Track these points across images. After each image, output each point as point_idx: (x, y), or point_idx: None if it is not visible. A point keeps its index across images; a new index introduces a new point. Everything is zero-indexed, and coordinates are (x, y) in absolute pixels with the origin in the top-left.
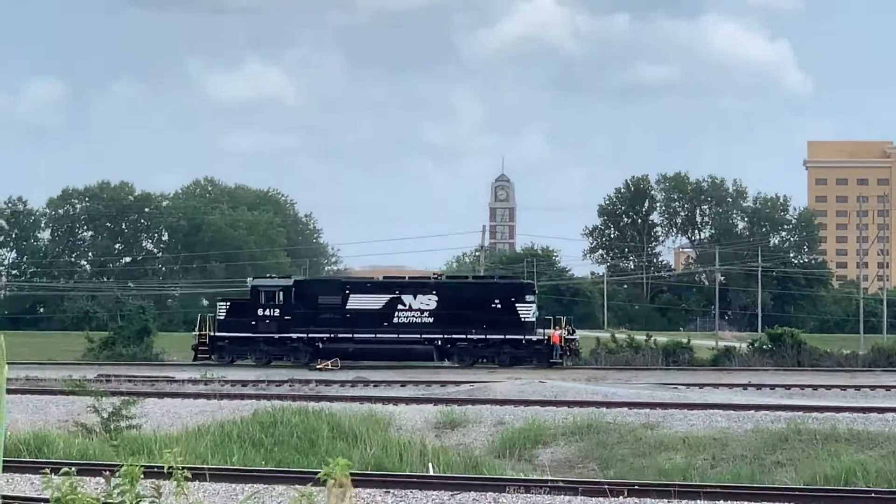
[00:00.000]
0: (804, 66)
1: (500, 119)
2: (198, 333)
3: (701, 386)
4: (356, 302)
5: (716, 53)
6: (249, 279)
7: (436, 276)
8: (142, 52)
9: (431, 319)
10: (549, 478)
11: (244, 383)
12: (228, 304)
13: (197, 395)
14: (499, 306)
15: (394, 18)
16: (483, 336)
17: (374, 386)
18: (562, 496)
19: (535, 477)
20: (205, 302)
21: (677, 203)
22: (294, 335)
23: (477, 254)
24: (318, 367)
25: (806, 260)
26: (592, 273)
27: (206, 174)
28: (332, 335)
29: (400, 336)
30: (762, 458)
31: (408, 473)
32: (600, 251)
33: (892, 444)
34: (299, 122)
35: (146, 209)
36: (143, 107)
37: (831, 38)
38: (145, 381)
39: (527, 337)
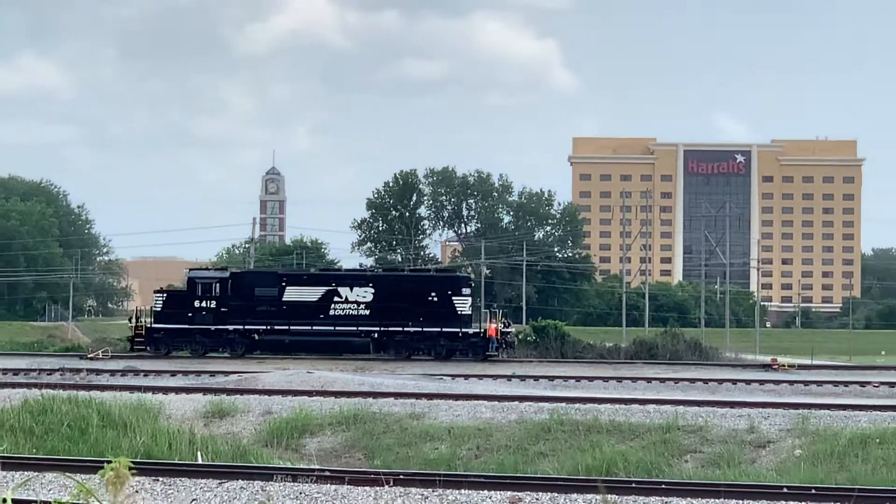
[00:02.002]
0: (570, 65)
1: (270, 113)
2: (133, 325)
3: (466, 377)
4: (292, 294)
5: (484, 51)
6: (186, 270)
7: (372, 268)
8: None
9: (368, 312)
10: (316, 466)
11: (15, 372)
12: (165, 295)
13: None
14: (435, 299)
15: (166, 12)
16: (420, 329)
17: (144, 375)
18: (328, 485)
19: (302, 466)
20: None
21: (444, 197)
22: (230, 327)
23: (247, 245)
24: (89, 356)
25: (570, 254)
26: (360, 265)
27: None
28: (269, 327)
29: (336, 328)
30: (525, 449)
31: (177, 462)
32: (368, 244)
33: (652, 435)
34: (73, 115)
35: None
36: None
37: (597, 37)
38: None
39: (463, 330)
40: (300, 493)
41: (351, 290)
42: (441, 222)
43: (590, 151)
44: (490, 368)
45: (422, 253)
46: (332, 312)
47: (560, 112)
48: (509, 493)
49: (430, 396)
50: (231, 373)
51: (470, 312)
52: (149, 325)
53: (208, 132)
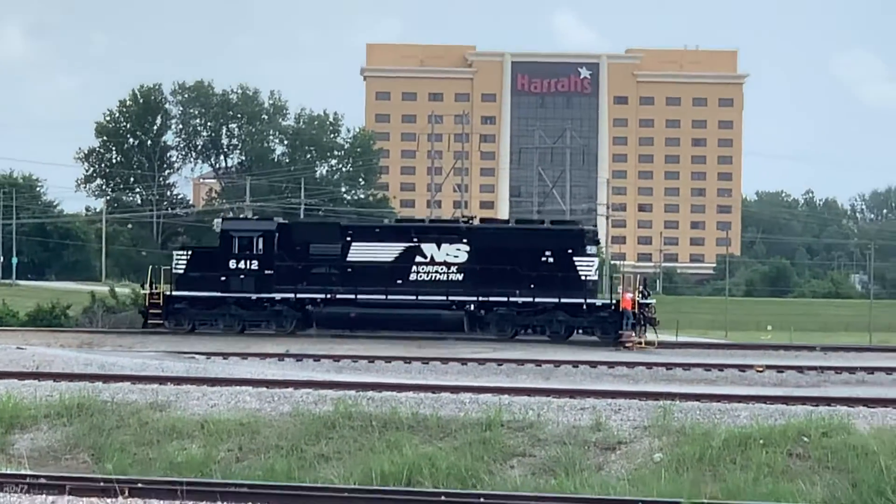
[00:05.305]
0: None
1: None
2: (148, 292)
3: (226, 356)
4: (360, 252)
5: None
6: (217, 220)
7: (466, 219)
8: None
9: (461, 276)
10: (28, 472)
11: None
12: (189, 253)
13: None
14: (551, 260)
15: None
16: (530, 299)
17: None
18: (44, 495)
19: (9, 471)
20: None
21: (198, 121)
22: (277, 295)
23: None
24: None
25: (362, 196)
26: (88, 209)
27: None
28: (328, 296)
29: (419, 298)
30: (303, 450)
31: None
32: (98, 181)
33: (467, 434)
34: None
35: None
36: None
37: None
38: None
39: (588, 301)
40: None
41: (438, 247)
42: (194, 153)
43: (389, 62)
44: (256, 344)
45: (168, 193)
46: (413, 277)
47: (351, 9)
48: None
49: (177, 381)
50: None
51: (596, 278)
52: (168, 294)
53: None
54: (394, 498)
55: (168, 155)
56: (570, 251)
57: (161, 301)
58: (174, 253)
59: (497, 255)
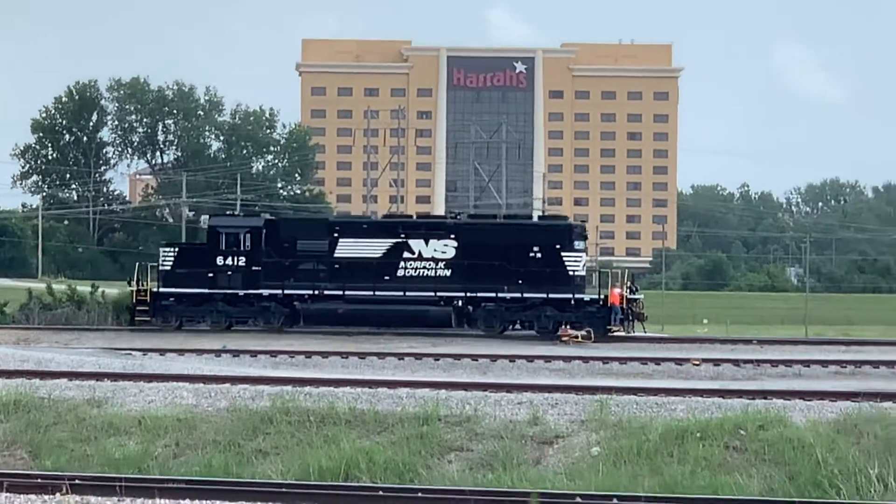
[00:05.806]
0: None
1: None
2: (135, 289)
3: (162, 352)
4: (348, 248)
5: None
6: (205, 217)
7: (454, 214)
8: None
9: (449, 272)
10: None
11: None
12: (176, 249)
13: None
14: (539, 255)
15: None
16: (518, 294)
17: None
18: None
19: None
20: None
21: (134, 117)
22: (265, 291)
23: None
24: None
25: (298, 191)
26: (24, 205)
27: None
28: (316, 292)
29: (407, 294)
30: (240, 445)
31: None
32: (34, 177)
33: (405, 428)
34: None
35: None
36: None
37: None
38: None
39: (576, 296)
40: None
41: (426, 242)
42: (130, 149)
43: (324, 57)
44: (194, 340)
45: (104, 189)
46: (400, 273)
47: (287, 4)
48: (217, 502)
49: (114, 377)
50: None
51: (584, 273)
52: (155, 290)
53: None
54: (331, 493)
55: (104, 151)
56: (558, 246)
57: (148, 298)
58: (161, 249)
59: (485, 251)
